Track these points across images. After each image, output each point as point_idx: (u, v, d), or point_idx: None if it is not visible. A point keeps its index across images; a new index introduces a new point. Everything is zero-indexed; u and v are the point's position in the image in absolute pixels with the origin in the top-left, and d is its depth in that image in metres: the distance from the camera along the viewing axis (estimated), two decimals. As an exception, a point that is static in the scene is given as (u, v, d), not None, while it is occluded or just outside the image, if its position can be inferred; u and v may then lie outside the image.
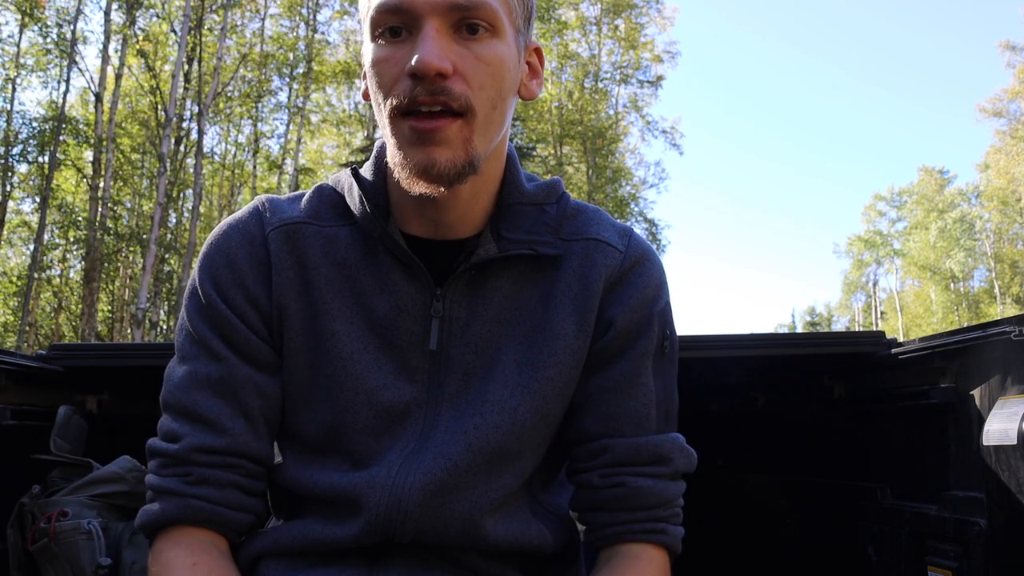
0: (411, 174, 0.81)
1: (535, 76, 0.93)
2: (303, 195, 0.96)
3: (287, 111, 19.78)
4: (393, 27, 0.81)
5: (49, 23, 15.26)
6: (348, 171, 0.95)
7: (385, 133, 0.84)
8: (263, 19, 19.21)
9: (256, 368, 0.90)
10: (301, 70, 19.16)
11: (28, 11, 14.76)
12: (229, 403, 0.88)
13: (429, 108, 0.79)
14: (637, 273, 0.94)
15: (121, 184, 17.75)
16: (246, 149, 20.46)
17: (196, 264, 0.94)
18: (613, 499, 0.91)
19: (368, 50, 0.84)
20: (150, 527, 0.87)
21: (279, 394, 0.92)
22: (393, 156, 0.84)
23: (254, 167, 20.23)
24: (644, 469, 0.91)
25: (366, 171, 0.94)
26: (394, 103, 0.80)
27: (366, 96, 0.89)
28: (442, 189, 0.82)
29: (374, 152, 0.95)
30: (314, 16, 19.53)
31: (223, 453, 0.87)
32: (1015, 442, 1.31)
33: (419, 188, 0.82)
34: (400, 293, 0.89)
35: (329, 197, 0.95)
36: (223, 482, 0.87)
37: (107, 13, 15.46)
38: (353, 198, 0.92)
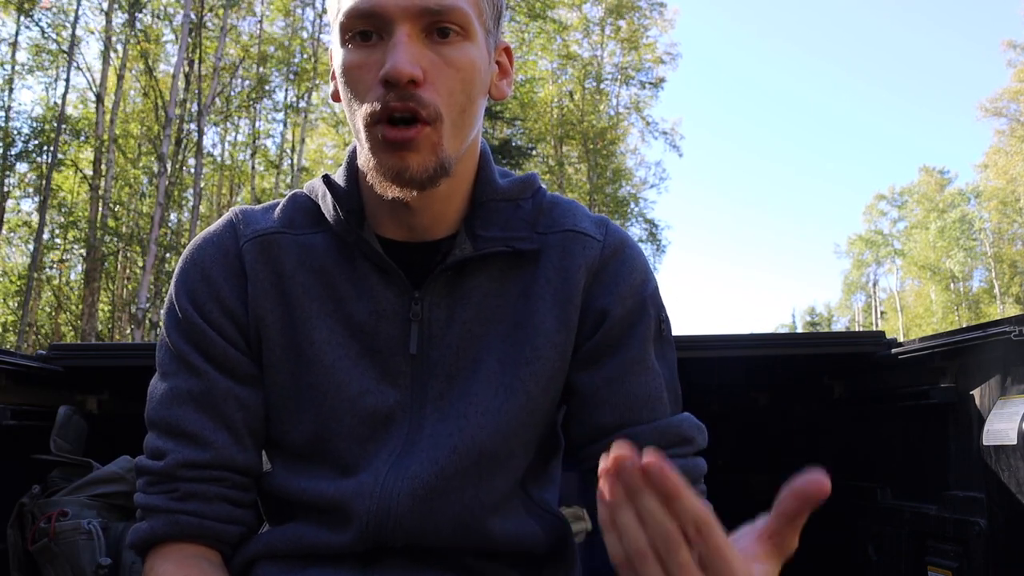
0: (384, 179, 0.82)
1: (505, 76, 0.93)
2: (277, 204, 0.96)
3: (285, 111, 19.80)
4: (363, 31, 0.81)
5: (47, 22, 15.28)
6: (320, 178, 0.94)
7: (359, 138, 0.85)
8: (260, 20, 19.22)
9: (236, 380, 0.90)
10: (297, 68, 19.16)
11: (26, 10, 14.75)
12: (211, 417, 0.88)
13: (401, 115, 0.79)
14: (620, 260, 0.94)
15: (121, 184, 17.75)
16: (245, 148, 20.47)
17: (172, 279, 0.94)
18: None
19: (338, 54, 0.84)
20: (140, 545, 0.88)
21: (261, 405, 0.92)
22: (367, 161, 0.84)
23: (252, 167, 20.23)
24: (672, 451, 0.89)
25: (339, 177, 0.93)
26: (368, 110, 0.81)
27: (336, 98, 0.89)
28: (414, 193, 0.83)
29: (346, 157, 0.95)
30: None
31: (208, 467, 0.87)
32: (1015, 442, 1.31)
33: (392, 192, 0.83)
34: (378, 298, 0.89)
35: (303, 204, 0.95)
36: (210, 496, 0.87)
37: (108, 13, 15.47)
38: (327, 205, 0.92)
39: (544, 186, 0.99)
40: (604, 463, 0.56)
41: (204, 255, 0.92)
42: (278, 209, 0.95)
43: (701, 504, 0.56)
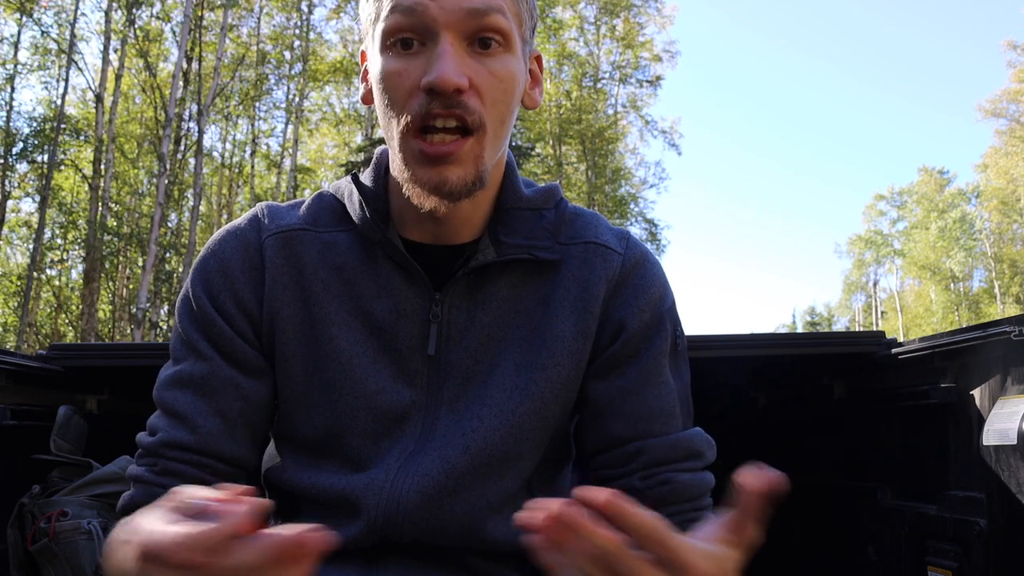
0: (421, 191, 0.82)
1: (536, 84, 0.93)
2: (303, 202, 0.97)
3: (284, 111, 19.82)
4: (406, 39, 0.80)
5: (47, 21, 15.29)
6: (348, 177, 0.95)
7: (393, 146, 0.84)
8: (258, 18, 19.22)
9: (240, 371, 0.91)
10: (298, 69, 19.16)
11: (27, 10, 14.75)
12: (207, 402, 0.89)
13: (444, 123, 0.79)
14: (640, 275, 0.95)
15: (121, 184, 17.76)
16: (246, 148, 20.48)
17: (191, 269, 0.96)
18: (660, 497, 0.90)
19: (376, 59, 0.83)
20: (120, 512, 0.89)
21: (264, 399, 0.92)
22: (401, 172, 0.84)
23: (252, 166, 20.24)
24: (683, 465, 0.90)
25: (366, 177, 0.94)
26: (408, 119, 0.80)
27: (366, 100, 0.89)
28: (451, 204, 0.83)
29: (374, 159, 0.95)
30: (308, 16, 19.53)
31: (192, 450, 0.88)
32: (1015, 442, 1.31)
33: (429, 204, 0.83)
34: (399, 297, 0.90)
35: (329, 203, 0.96)
36: (188, 477, 0.88)
37: (107, 13, 15.47)
38: (353, 204, 0.92)
39: (566, 198, 1.00)
40: (535, 516, 0.56)
41: (225, 246, 0.93)
42: (303, 207, 0.96)
43: (646, 514, 0.56)
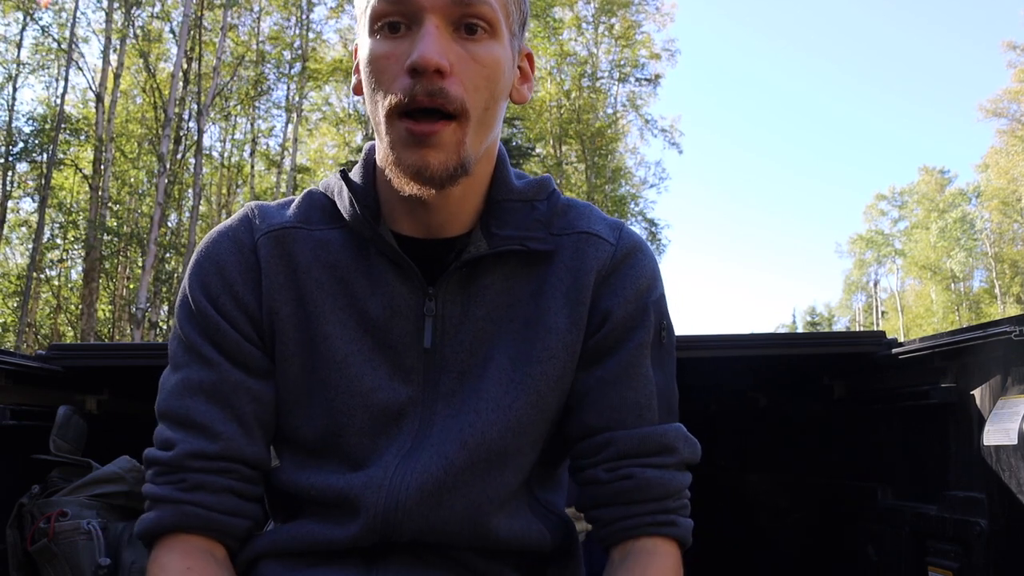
0: (403, 175, 0.82)
1: (526, 81, 0.93)
2: (292, 201, 0.97)
3: (284, 110, 19.81)
4: (393, 22, 0.81)
5: (47, 20, 15.29)
6: (337, 174, 0.95)
7: (379, 131, 0.84)
8: (258, 17, 19.22)
9: (248, 373, 0.90)
10: (298, 69, 19.14)
11: (27, 9, 14.76)
12: (222, 408, 0.88)
13: (427, 108, 0.79)
14: (629, 265, 0.94)
15: (121, 184, 17.75)
16: (245, 148, 20.48)
17: (186, 272, 0.94)
18: (621, 492, 0.89)
19: (365, 44, 0.84)
20: (147, 535, 0.88)
21: (273, 398, 0.92)
22: (386, 156, 0.84)
23: (252, 166, 20.23)
24: (650, 460, 0.89)
25: (355, 174, 0.94)
26: (392, 101, 0.80)
27: (357, 90, 0.89)
28: (433, 191, 0.83)
29: (362, 155, 0.95)
30: (308, 16, 19.53)
31: (216, 458, 0.87)
32: (1015, 442, 1.31)
33: (411, 189, 0.83)
34: (393, 293, 0.90)
35: (319, 201, 0.95)
36: (217, 488, 0.87)
37: (108, 13, 15.47)
38: (343, 200, 0.92)
39: (559, 190, 1.00)
40: None
41: (219, 248, 0.93)
42: (293, 205, 0.96)
43: None
